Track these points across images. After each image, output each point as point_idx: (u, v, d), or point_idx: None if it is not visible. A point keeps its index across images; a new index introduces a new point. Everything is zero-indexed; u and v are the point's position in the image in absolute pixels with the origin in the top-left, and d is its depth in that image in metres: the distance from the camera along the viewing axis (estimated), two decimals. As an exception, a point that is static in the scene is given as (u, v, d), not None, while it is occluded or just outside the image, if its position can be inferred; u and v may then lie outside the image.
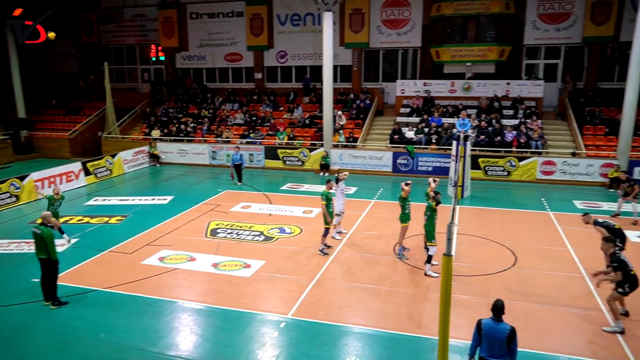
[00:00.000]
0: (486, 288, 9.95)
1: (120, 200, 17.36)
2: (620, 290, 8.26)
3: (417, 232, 12.21)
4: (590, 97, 22.56)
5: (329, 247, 12.02)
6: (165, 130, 25.47)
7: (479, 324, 6.05)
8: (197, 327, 8.60)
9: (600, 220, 10.52)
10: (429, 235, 10.57)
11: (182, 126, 25.27)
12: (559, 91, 23.73)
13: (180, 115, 26.86)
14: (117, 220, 14.82)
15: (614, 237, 9.26)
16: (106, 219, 14.86)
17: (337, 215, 12.72)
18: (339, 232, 13.20)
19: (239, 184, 19.41)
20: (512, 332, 5.86)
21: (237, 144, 22.63)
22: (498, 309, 5.97)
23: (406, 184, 11.35)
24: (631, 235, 12.98)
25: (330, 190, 11.79)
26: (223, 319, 8.84)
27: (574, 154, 19.71)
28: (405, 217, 11.42)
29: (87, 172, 20.23)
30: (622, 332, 8.19)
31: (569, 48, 23.76)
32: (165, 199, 17.24)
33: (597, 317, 8.73)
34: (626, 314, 8.64)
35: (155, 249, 12.20)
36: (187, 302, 9.51)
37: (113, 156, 21.92)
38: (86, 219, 14.82)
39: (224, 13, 28.08)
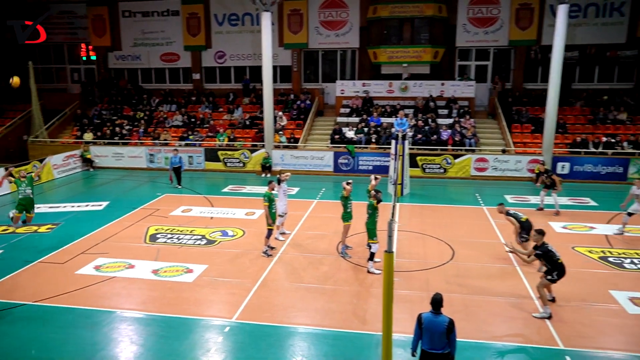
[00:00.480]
0: (426, 282, 10.28)
1: (51, 207, 16.40)
2: (549, 277, 8.82)
3: (360, 230, 12.41)
4: (517, 97, 23.91)
5: (272, 248, 11.97)
6: (99, 133, 24.37)
7: (419, 318, 6.24)
8: (137, 337, 8.30)
9: (511, 211, 11.36)
10: (371, 233, 10.74)
11: (117, 128, 24.28)
12: (489, 91, 24.93)
13: (114, 117, 25.78)
14: (48, 229, 14.01)
15: (521, 228, 10.11)
16: (35, 227, 13.97)
17: (280, 216, 12.69)
18: (282, 233, 13.17)
19: (179, 187, 18.93)
20: (451, 323, 6.08)
21: (176, 146, 22.04)
22: (437, 302, 6.18)
23: (347, 183, 11.55)
24: (556, 226, 13.89)
25: (272, 191, 11.75)
26: (165, 327, 8.59)
27: (504, 151, 20.78)
28: (347, 216, 11.61)
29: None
30: (549, 317, 8.74)
31: (497, 50, 25.04)
32: (100, 205, 16.51)
33: (528, 305, 9.25)
34: (553, 300, 9.23)
35: (91, 258, 11.65)
36: (127, 311, 9.15)
37: (41, 161, 20.68)
38: (11, 229, 13.85)
39: (158, 12, 27.26)
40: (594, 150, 20.09)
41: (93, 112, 26.30)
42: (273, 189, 11.84)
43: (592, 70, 24.29)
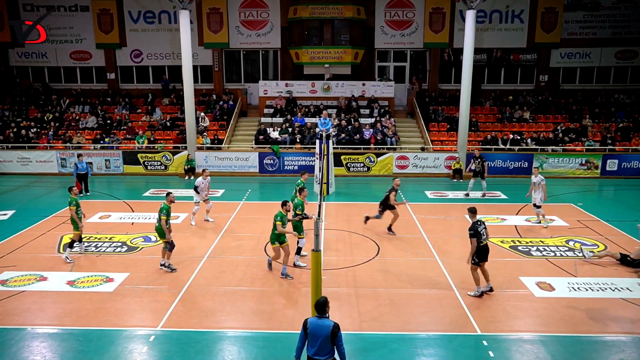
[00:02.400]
0: (354, 278, 10.52)
1: (-54, 219, 14.89)
2: (473, 261, 9.39)
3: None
4: (434, 97, 25.12)
5: (172, 269, 10.88)
6: (1, 137, 22.42)
7: (305, 322, 5.95)
8: (52, 354, 7.75)
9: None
10: (299, 229, 10.89)
11: (23, 131, 22.49)
12: (407, 92, 25.96)
13: (19, 119, 23.86)
14: (-57, 242, 12.69)
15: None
16: None
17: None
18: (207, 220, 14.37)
19: (88, 194, 17.78)
20: (336, 327, 5.81)
21: (81, 152, 20.56)
22: (320, 305, 5.92)
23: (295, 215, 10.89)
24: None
25: (172, 204, 11.04)
26: (83, 341, 8.09)
27: (423, 149, 21.74)
28: (280, 237, 10.44)
29: None
30: (480, 296, 9.45)
31: (414, 52, 26.14)
32: (5, 214, 15.22)
33: (449, 295, 9.75)
34: (490, 290, 9.70)
35: (-5, 272, 10.71)
36: (39, 327, 8.51)
37: None
38: None
39: (65, 6, 25.55)
40: (503, 146, 21.58)
41: (-7, 114, 24.18)
42: (172, 201, 11.08)
43: (499, 72, 26.09)
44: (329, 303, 6.01)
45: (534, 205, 14.03)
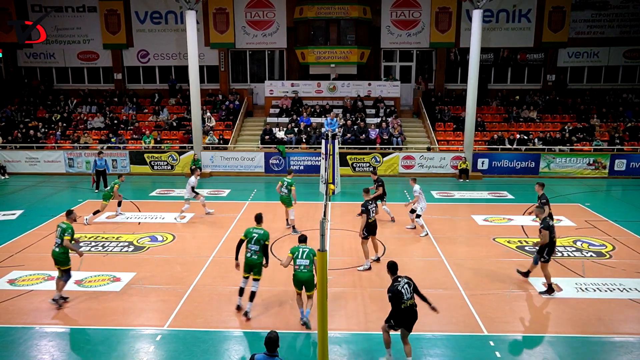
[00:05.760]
0: (359, 278, 10.51)
1: (-45, 218, 15.02)
2: (363, 235, 10.75)
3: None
4: (440, 97, 25.04)
5: (65, 299, 9.45)
6: (9, 137, 22.59)
7: (251, 358, 5.54)
8: (60, 353, 7.81)
9: None
10: (288, 203, 13.11)
11: (31, 131, 22.64)
12: (413, 91, 25.89)
13: (27, 120, 24.03)
14: (-48, 242, 12.81)
15: None
16: (-63, 241, 12.74)
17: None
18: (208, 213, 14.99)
19: (106, 189, 17.90)
20: None
21: (99, 149, 20.85)
22: (271, 342, 5.51)
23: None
24: (478, 219, 14.70)
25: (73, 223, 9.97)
26: (91, 340, 8.14)
27: (429, 149, 21.68)
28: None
29: None
30: (369, 269, 10.69)
31: (420, 52, 26.06)
32: (14, 214, 15.33)
33: (456, 295, 9.71)
34: (378, 260, 11.10)
35: (4, 271, 10.80)
36: (47, 326, 8.58)
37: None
38: None
39: (73, 7, 25.70)
40: (510, 146, 21.48)
41: (0, 114, 24.34)
42: (75, 220, 9.90)
43: (506, 71, 25.97)
44: (276, 341, 5.57)
45: (412, 211, 13.48)
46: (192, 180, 14.53)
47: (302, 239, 8.71)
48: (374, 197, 13.01)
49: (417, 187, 13.26)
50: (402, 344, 7.27)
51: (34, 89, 26.13)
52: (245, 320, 8.66)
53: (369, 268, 10.79)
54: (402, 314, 7.06)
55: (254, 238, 8.70)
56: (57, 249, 9.19)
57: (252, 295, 8.70)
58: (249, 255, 8.72)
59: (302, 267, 8.31)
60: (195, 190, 14.64)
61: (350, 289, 9.96)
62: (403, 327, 7.17)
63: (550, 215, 10.39)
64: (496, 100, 24.79)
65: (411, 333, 7.37)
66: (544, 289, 9.81)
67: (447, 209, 16.01)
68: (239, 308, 8.97)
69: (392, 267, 7.32)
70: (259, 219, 9.08)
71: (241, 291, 8.96)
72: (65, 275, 9.29)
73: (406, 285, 7.13)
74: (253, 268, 8.72)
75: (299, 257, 8.36)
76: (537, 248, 9.81)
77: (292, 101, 24.30)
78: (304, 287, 8.35)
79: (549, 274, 9.71)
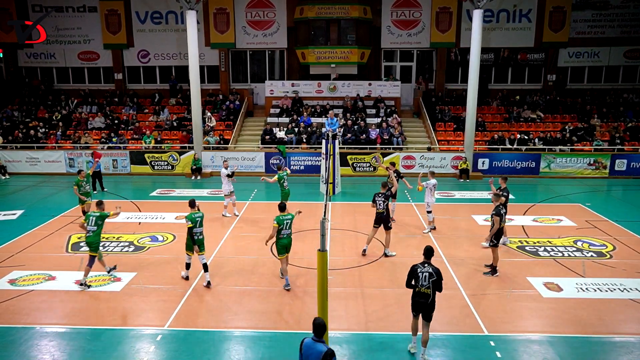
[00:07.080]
0: (360, 278, 10.51)
1: (-44, 218, 15.03)
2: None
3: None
4: (440, 97, 25.04)
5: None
6: (10, 137, 22.60)
7: (300, 343, 5.46)
8: (60, 353, 7.81)
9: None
10: (286, 196, 13.81)
11: (31, 131, 22.66)
12: (413, 91, 25.88)
13: (27, 120, 24.04)
14: (-47, 242, 12.82)
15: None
16: (-62, 241, 12.75)
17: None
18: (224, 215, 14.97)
19: (105, 191, 18.09)
20: (327, 355, 5.15)
21: (97, 149, 20.91)
22: (320, 327, 5.37)
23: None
24: (478, 219, 14.70)
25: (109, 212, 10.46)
26: (92, 340, 8.15)
27: (429, 149, 21.67)
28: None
29: None
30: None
31: (420, 52, 26.06)
32: (14, 214, 15.34)
33: (456, 295, 9.71)
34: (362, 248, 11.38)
35: (4, 271, 10.80)
36: (48, 326, 8.58)
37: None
38: None
39: (74, 7, 25.71)
40: (510, 146, 21.47)
41: (1, 114, 24.36)
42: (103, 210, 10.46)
43: (506, 71, 25.96)
44: (322, 326, 5.43)
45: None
46: (224, 171, 14.74)
47: (282, 207, 9.94)
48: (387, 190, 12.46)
49: (433, 181, 13.48)
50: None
51: (35, 89, 26.15)
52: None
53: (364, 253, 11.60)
54: (414, 296, 7.53)
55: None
56: (91, 235, 10.11)
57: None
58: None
59: (285, 235, 9.78)
60: (231, 184, 14.79)
61: (351, 289, 9.96)
62: (415, 311, 7.58)
63: (505, 205, 11.51)
64: (496, 100, 24.78)
65: (411, 333, 7.34)
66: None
67: (448, 209, 16.01)
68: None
69: (426, 252, 7.69)
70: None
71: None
72: (91, 260, 10.10)
73: (427, 274, 7.38)
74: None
75: (284, 228, 9.72)
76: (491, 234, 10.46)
77: (292, 101, 24.31)
78: (285, 249, 9.86)
79: (497, 257, 10.61)
